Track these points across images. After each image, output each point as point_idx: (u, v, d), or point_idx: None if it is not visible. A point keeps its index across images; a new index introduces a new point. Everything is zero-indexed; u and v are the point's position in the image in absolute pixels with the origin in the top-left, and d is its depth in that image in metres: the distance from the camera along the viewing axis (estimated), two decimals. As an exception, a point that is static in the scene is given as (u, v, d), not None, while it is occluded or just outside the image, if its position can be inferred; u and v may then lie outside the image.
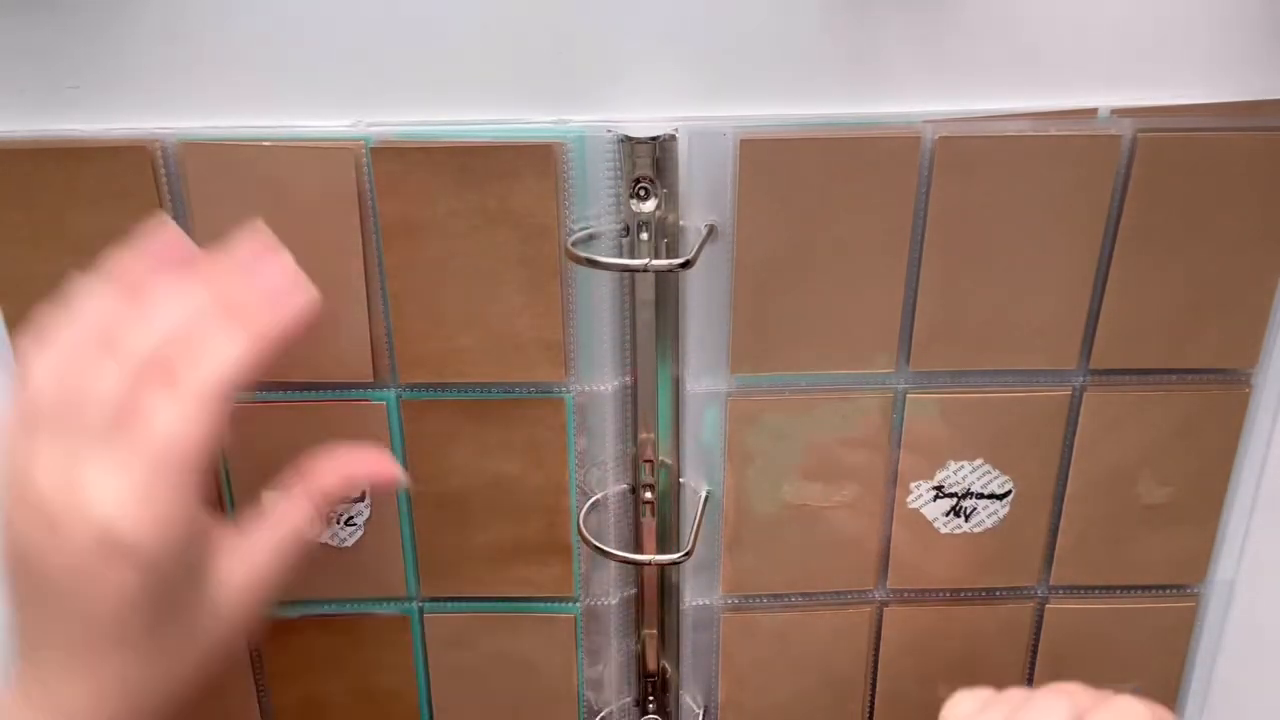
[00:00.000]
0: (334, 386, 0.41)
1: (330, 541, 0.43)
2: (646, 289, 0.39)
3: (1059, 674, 0.46)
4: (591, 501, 0.43)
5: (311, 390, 0.41)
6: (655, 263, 0.38)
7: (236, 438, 0.41)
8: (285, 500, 0.37)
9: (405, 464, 0.42)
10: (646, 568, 0.44)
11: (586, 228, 0.39)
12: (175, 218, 0.38)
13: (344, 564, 0.44)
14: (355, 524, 0.43)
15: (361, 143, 0.37)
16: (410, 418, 0.41)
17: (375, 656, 0.46)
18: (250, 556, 0.35)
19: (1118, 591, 0.45)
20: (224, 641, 0.35)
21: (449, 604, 0.45)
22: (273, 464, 0.42)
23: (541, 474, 0.42)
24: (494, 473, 0.42)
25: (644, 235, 0.38)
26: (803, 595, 0.45)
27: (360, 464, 0.39)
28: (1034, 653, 0.46)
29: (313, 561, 0.43)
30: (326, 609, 0.45)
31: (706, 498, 0.43)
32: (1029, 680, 0.47)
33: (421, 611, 0.45)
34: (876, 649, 0.46)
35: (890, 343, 0.41)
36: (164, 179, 0.37)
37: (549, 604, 0.45)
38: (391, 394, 0.41)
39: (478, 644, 0.46)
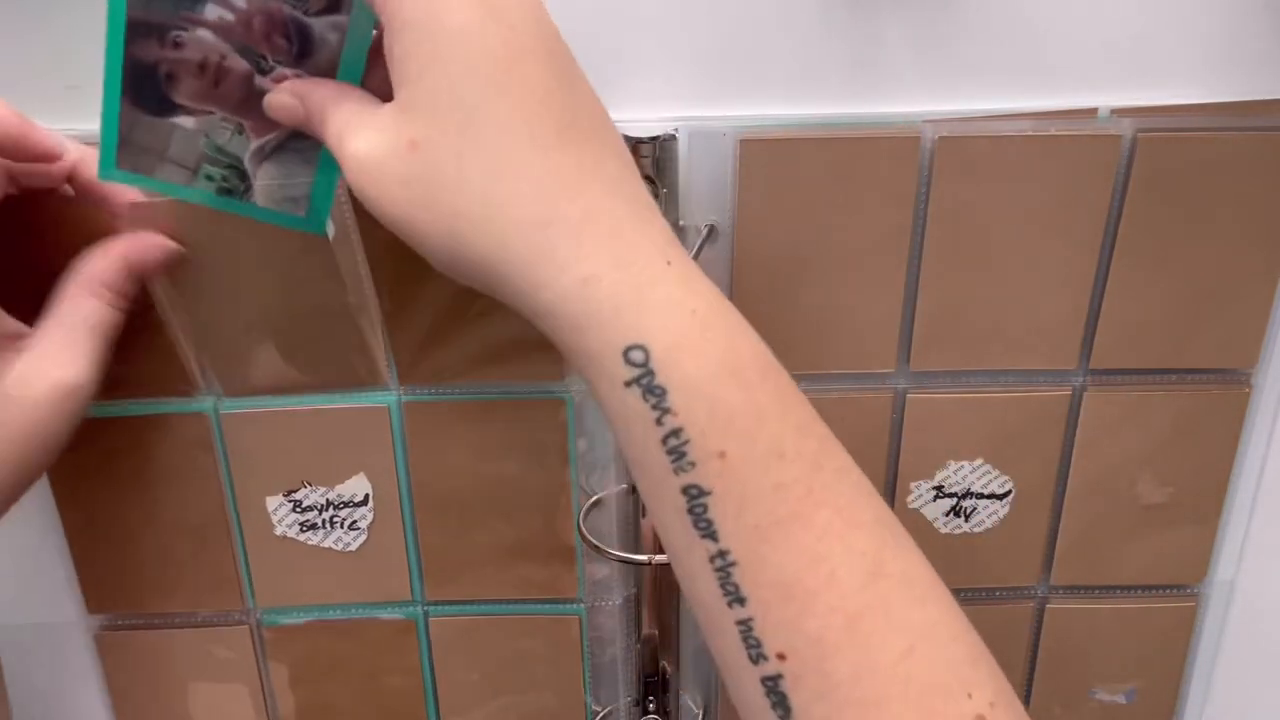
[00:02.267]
0: (335, 390, 0.41)
1: (335, 546, 0.43)
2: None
3: (1059, 674, 0.47)
4: (592, 501, 0.43)
5: (313, 394, 0.41)
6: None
7: (238, 444, 0.42)
8: (62, 298, 0.35)
9: (407, 466, 0.42)
10: (646, 568, 0.44)
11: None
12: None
13: (349, 568, 0.44)
14: (359, 528, 0.43)
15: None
16: (412, 420, 0.41)
17: (381, 660, 0.46)
18: (44, 352, 0.34)
19: (1118, 591, 0.45)
20: (34, 438, 0.34)
21: (453, 607, 0.45)
22: (276, 469, 0.42)
23: (543, 475, 0.42)
24: (495, 474, 0.42)
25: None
26: (803, 595, 0.45)
27: (127, 248, 0.36)
28: (1034, 652, 0.46)
29: (319, 566, 0.44)
30: (332, 614, 0.45)
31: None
32: (1029, 680, 0.47)
33: (426, 615, 0.45)
34: (876, 649, 0.46)
35: (890, 343, 0.41)
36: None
37: (553, 605, 0.45)
38: (393, 396, 0.41)
39: (483, 646, 0.46)
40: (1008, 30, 0.37)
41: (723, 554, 0.28)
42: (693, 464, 0.27)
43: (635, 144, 0.37)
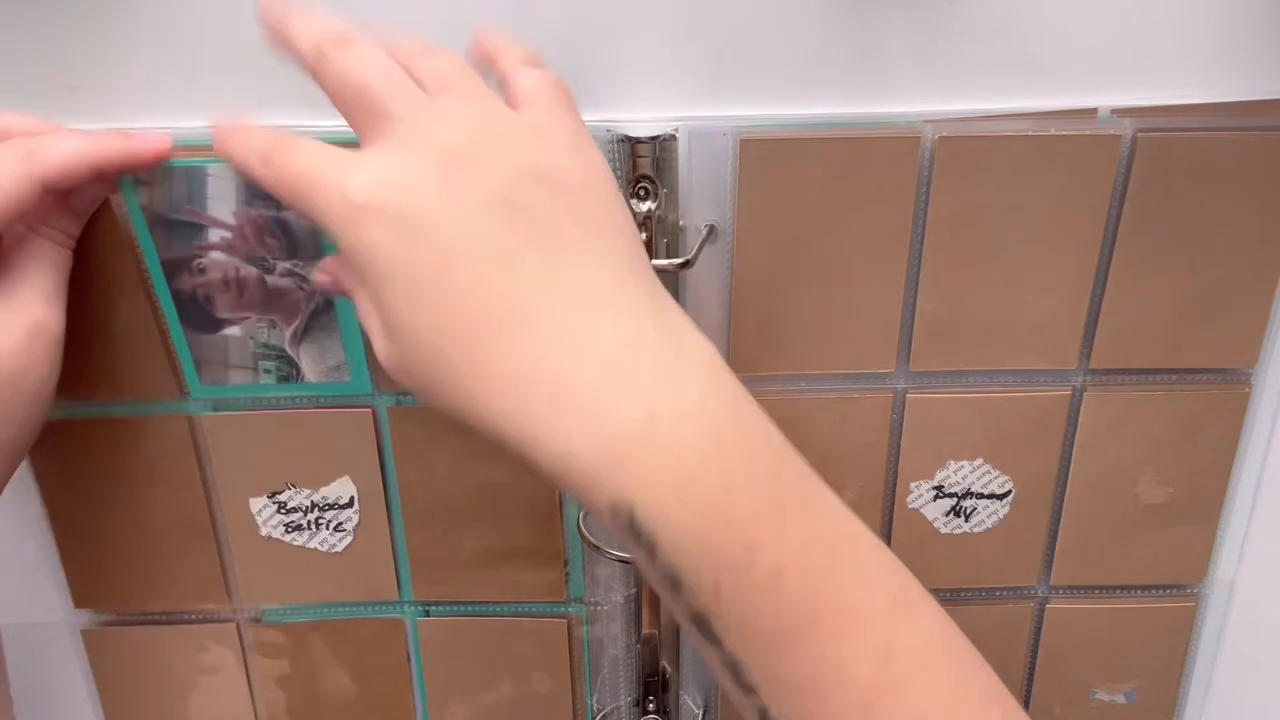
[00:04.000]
0: (321, 393, 0.41)
1: (320, 547, 0.43)
2: (646, 289, 0.39)
3: (1059, 674, 0.47)
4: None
5: (299, 398, 0.41)
6: (655, 262, 0.38)
7: (224, 446, 0.41)
8: (12, 244, 0.34)
9: (394, 470, 0.42)
10: (646, 568, 0.44)
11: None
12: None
13: (335, 570, 0.44)
14: (344, 530, 0.43)
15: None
16: (398, 424, 0.41)
17: (368, 661, 0.46)
18: (10, 298, 0.34)
19: (1118, 591, 0.45)
20: (20, 387, 0.34)
21: (443, 608, 0.45)
22: (259, 471, 0.42)
23: (531, 480, 0.42)
24: (482, 479, 0.42)
25: (644, 235, 0.38)
26: (803, 595, 0.45)
27: (99, 150, 0.34)
28: (1034, 653, 0.46)
29: (305, 567, 0.44)
30: (318, 614, 0.45)
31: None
32: (1029, 680, 0.47)
33: (414, 616, 0.45)
34: (876, 649, 0.46)
35: (890, 343, 0.41)
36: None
37: (542, 608, 0.45)
38: (379, 400, 0.41)
39: (474, 648, 0.46)
40: (1008, 30, 0.37)
41: (731, 657, 0.28)
42: (691, 593, 0.28)
43: (635, 144, 0.37)
